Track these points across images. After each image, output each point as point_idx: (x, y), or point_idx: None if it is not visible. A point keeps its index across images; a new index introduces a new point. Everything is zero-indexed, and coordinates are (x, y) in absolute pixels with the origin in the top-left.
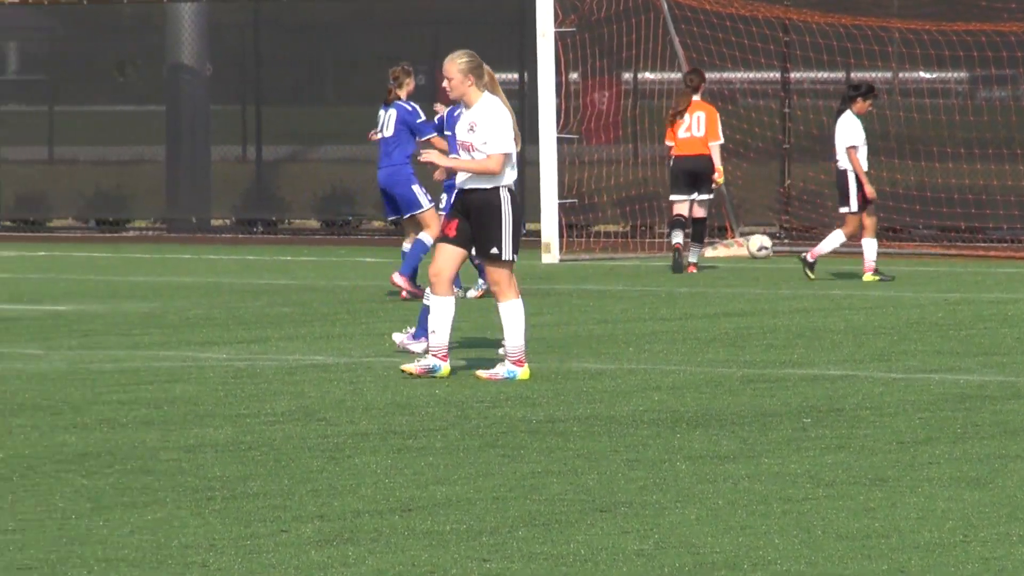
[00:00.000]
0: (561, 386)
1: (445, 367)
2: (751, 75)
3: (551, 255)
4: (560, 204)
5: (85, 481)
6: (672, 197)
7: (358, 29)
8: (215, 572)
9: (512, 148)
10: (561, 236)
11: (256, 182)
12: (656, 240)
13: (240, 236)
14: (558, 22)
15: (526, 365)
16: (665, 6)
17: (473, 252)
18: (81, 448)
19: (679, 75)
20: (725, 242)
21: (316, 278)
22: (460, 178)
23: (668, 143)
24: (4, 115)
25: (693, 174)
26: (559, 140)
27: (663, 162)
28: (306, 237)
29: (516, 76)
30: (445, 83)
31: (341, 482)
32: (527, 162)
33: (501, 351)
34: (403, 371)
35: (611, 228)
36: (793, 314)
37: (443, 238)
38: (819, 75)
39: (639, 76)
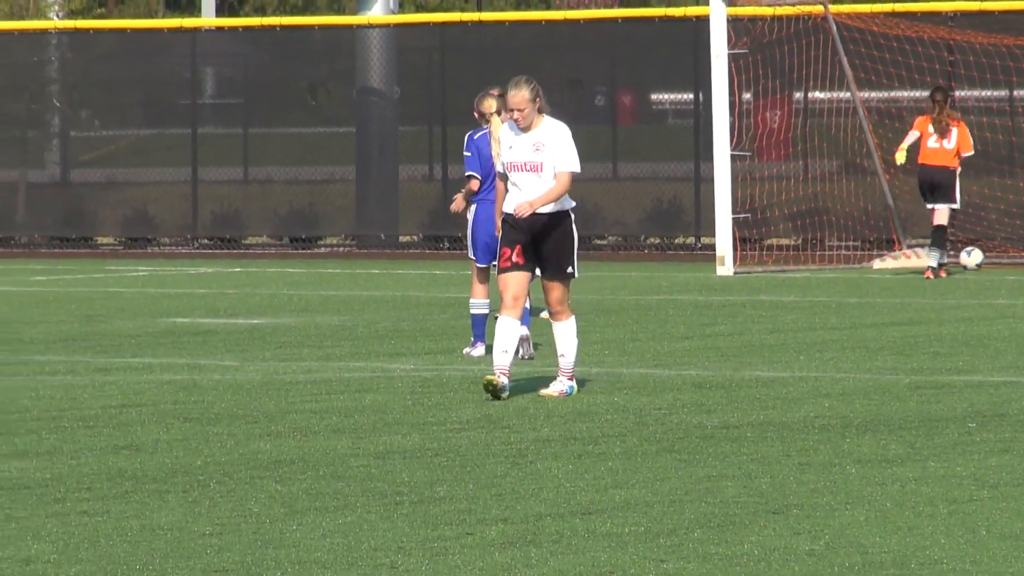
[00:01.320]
0: (735, 393)
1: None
2: (916, 93)
3: (725, 267)
4: (734, 218)
5: (279, 487)
6: (928, 206)
7: (540, 52)
8: (403, 573)
9: (579, 167)
10: (735, 249)
11: (442, 200)
12: (826, 252)
13: (427, 251)
14: (731, 44)
15: (575, 380)
16: (834, 27)
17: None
18: (275, 455)
19: (847, 94)
20: (893, 254)
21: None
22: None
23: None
24: (202, 137)
25: (932, 184)
26: (732, 157)
27: (832, 178)
28: None
29: (691, 96)
30: (513, 114)
31: (524, 486)
32: (703, 179)
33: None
34: (488, 381)
35: (783, 241)
36: (958, 323)
37: (512, 267)
38: (983, 93)
39: (809, 95)
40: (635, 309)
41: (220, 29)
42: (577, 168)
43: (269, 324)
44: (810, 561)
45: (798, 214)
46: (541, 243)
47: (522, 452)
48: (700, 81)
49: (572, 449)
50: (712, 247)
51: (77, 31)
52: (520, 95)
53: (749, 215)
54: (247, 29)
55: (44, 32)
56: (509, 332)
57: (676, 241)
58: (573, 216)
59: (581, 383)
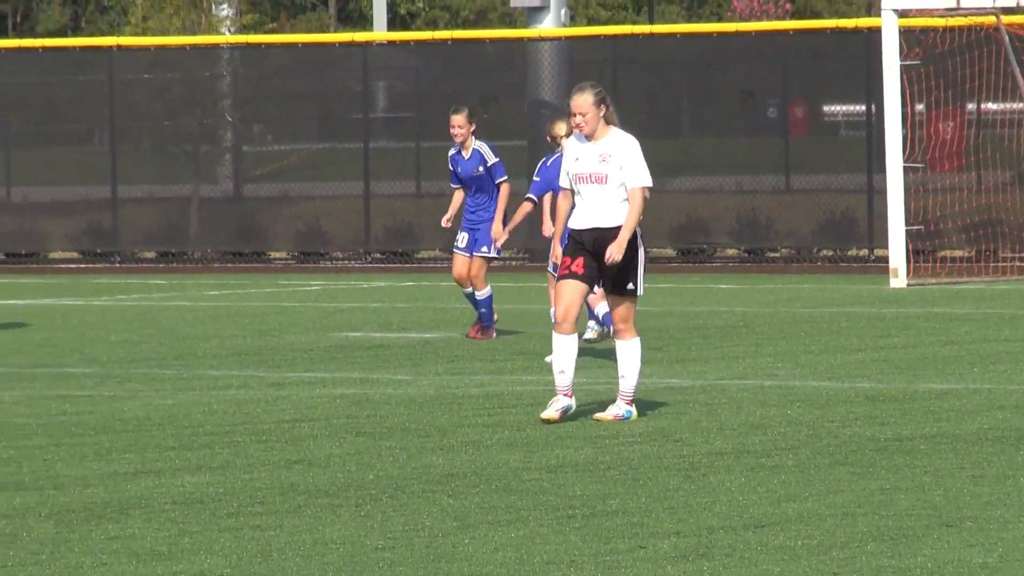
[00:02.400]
0: (908, 406)
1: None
2: None
3: (899, 280)
4: (907, 230)
5: (451, 500)
6: None
7: (711, 64)
8: None
9: (650, 181)
10: (908, 261)
11: None
12: (1000, 264)
13: None
14: (903, 55)
15: (635, 406)
16: (1006, 38)
17: (600, 288)
18: (448, 469)
19: (1020, 105)
20: None
21: (672, 304)
22: (591, 220)
23: None
24: (375, 151)
25: None
26: (905, 169)
27: (1006, 189)
28: (661, 265)
29: (863, 108)
30: (576, 119)
31: (696, 499)
32: (875, 191)
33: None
34: (546, 419)
35: (956, 253)
36: None
37: (570, 275)
38: None
39: (981, 106)
40: (808, 321)
41: (392, 43)
42: (649, 182)
43: (441, 338)
44: (983, 574)
45: (971, 226)
46: (604, 259)
47: (695, 465)
48: (872, 93)
49: (745, 462)
50: (885, 259)
51: (249, 46)
52: (583, 98)
53: (922, 227)
54: (419, 43)
55: (216, 47)
56: (566, 351)
57: (849, 253)
58: (640, 232)
59: (753, 395)
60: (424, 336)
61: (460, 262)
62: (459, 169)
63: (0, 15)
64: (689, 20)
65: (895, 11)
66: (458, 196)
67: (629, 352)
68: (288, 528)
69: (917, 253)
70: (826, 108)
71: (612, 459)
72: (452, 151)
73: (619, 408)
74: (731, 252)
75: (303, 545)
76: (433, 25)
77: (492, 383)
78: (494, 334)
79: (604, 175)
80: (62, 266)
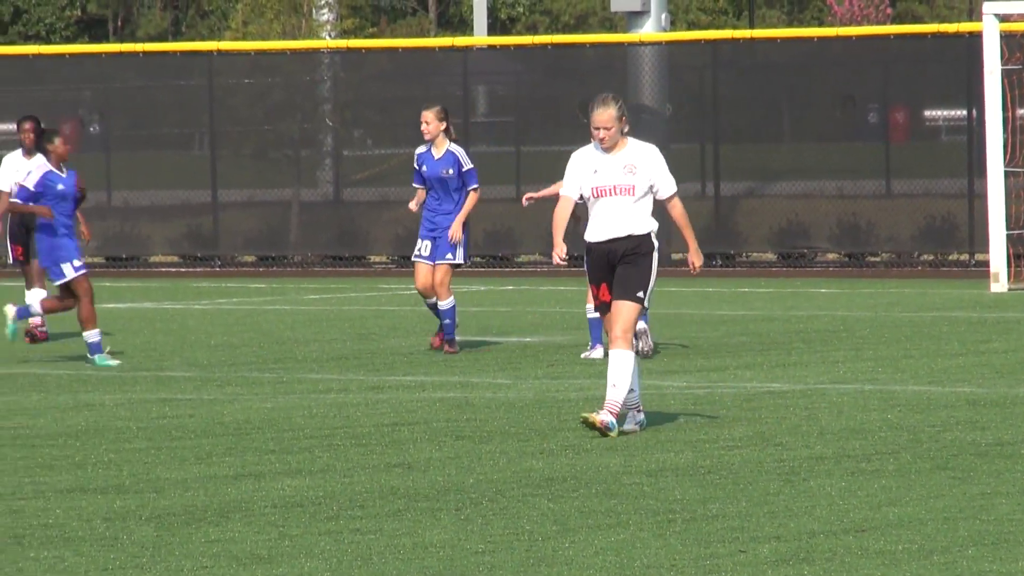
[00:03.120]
0: (1009, 410)
1: (617, 427)
2: None
3: (999, 284)
4: (1008, 235)
5: (551, 504)
6: None
7: (811, 68)
8: None
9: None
10: (1009, 265)
11: (715, 217)
12: None
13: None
14: (1004, 59)
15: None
16: None
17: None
18: (548, 473)
19: None
20: None
21: (772, 308)
22: (609, 231)
23: None
24: (475, 155)
25: None
26: (1006, 173)
27: None
28: (763, 269)
29: (964, 112)
30: (599, 132)
31: (797, 504)
32: (976, 195)
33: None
34: (585, 418)
35: None
36: None
37: (603, 305)
38: None
39: None
40: (909, 326)
41: (492, 48)
42: (675, 189)
43: (541, 342)
44: None
45: None
46: (619, 265)
47: (795, 470)
48: (973, 97)
49: (845, 466)
50: (986, 264)
51: (349, 50)
52: (607, 113)
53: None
54: (519, 48)
55: (317, 52)
56: (621, 366)
57: (950, 258)
58: (656, 243)
59: (854, 400)
60: (524, 340)
61: (424, 271)
62: (425, 168)
63: (101, 20)
64: (790, 25)
65: (996, 15)
66: (421, 194)
67: (623, 362)
68: (388, 532)
69: (1018, 257)
70: (927, 113)
71: (712, 463)
72: (421, 149)
73: (606, 415)
74: (832, 256)
75: (403, 549)
76: (533, 30)
77: (592, 387)
78: (457, 348)
79: (631, 186)
80: (162, 270)
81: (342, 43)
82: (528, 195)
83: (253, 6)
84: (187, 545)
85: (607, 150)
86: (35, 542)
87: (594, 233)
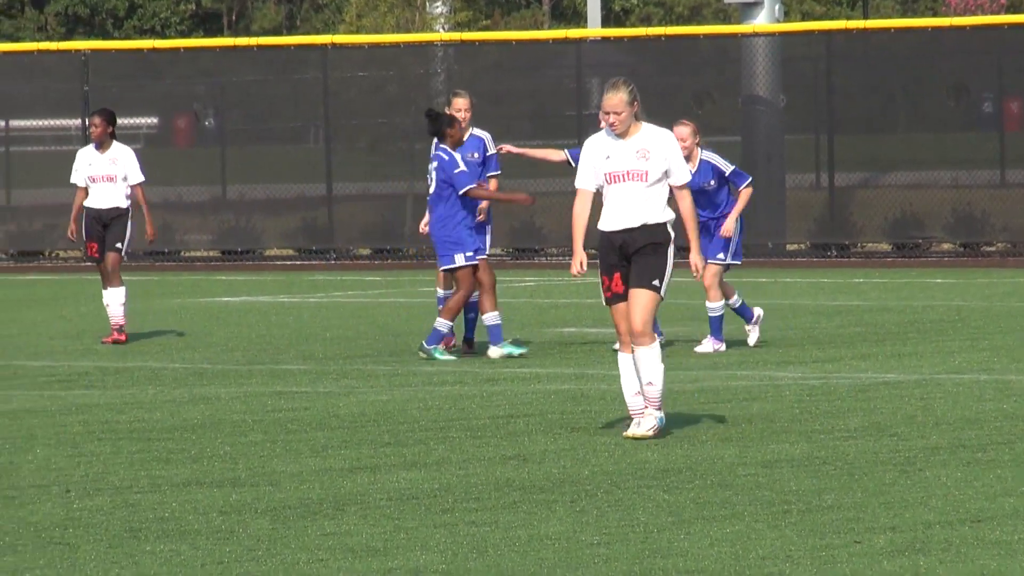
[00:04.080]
0: None
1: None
2: None
3: None
4: None
5: (667, 496)
6: None
7: (925, 58)
8: None
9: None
10: None
11: (829, 208)
12: None
13: (814, 260)
14: None
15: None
16: None
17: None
18: (663, 464)
19: None
20: None
21: (887, 299)
22: (623, 220)
23: None
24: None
25: None
26: None
27: None
28: (878, 260)
29: None
30: (609, 117)
31: (912, 495)
32: None
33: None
34: (631, 437)
35: None
36: None
37: (615, 297)
38: None
39: None
40: None
41: (605, 39)
42: (689, 176)
43: None
44: None
45: None
46: (634, 256)
47: (910, 460)
48: None
49: (961, 456)
50: None
51: (463, 43)
52: (617, 97)
53: None
54: (632, 39)
55: (431, 44)
56: (648, 363)
57: None
58: (673, 234)
59: (969, 390)
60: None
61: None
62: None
63: (215, 14)
64: (903, 15)
65: None
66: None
67: (650, 358)
68: (503, 524)
69: None
70: None
71: (827, 454)
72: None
73: (654, 419)
74: (946, 246)
75: (518, 541)
76: (647, 21)
77: (706, 378)
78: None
79: (644, 172)
80: (278, 263)
81: (456, 36)
82: (506, 147)
83: (367, 0)
84: (302, 538)
85: (620, 135)
86: (151, 535)
87: (608, 222)
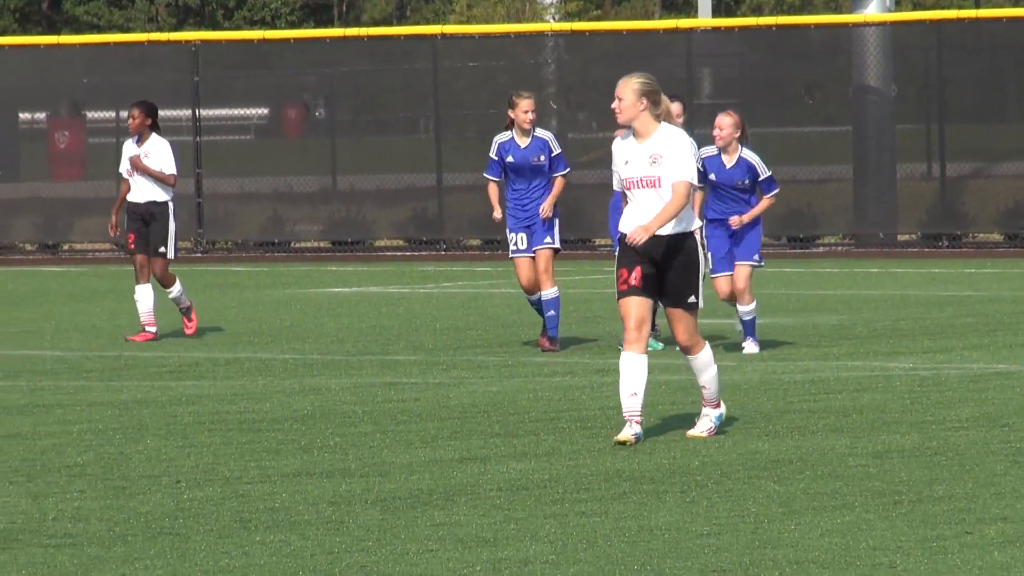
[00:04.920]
0: None
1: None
2: None
3: None
4: None
5: (777, 487)
6: None
7: None
8: (902, 573)
9: (696, 178)
10: None
11: (940, 198)
12: None
13: (926, 250)
14: None
15: (723, 404)
16: None
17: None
18: (773, 455)
19: None
20: None
21: (1000, 289)
22: (635, 223)
23: None
24: (698, 138)
25: None
26: None
27: None
28: (990, 250)
29: None
30: (615, 104)
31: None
32: None
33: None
34: (622, 442)
35: None
36: None
37: (630, 290)
38: None
39: None
40: None
41: (716, 29)
42: (692, 179)
43: (767, 324)
44: None
45: None
46: (661, 269)
47: (1022, 450)
48: None
49: None
50: None
51: (573, 33)
52: (625, 84)
53: None
54: (743, 29)
55: (541, 34)
56: (635, 371)
57: None
58: (699, 239)
59: None
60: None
61: (526, 266)
62: (511, 157)
63: (326, 4)
64: (1016, 4)
65: None
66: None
67: (704, 363)
68: (613, 515)
69: None
70: None
71: (938, 444)
72: (503, 137)
73: (709, 420)
74: None
75: (628, 531)
76: (758, 11)
77: (817, 368)
78: (559, 346)
79: (656, 178)
80: (388, 254)
81: (566, 26)
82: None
83: None
84: (412, 528)
85: (637, 138)
86: (261, 526)
87: (627, 224)
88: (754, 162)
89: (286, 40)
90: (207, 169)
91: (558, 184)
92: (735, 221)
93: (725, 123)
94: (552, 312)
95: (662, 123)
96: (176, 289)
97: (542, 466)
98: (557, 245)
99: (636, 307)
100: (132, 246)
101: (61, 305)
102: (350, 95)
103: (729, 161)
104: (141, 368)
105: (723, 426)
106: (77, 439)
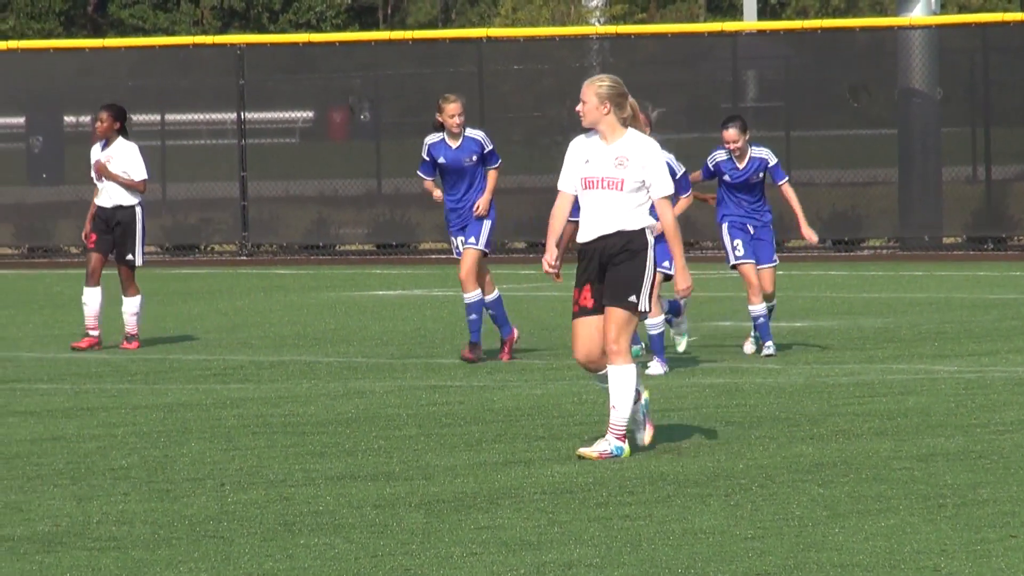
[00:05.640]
0: None
1: (627, 449)
2: None
3: None
4: None
5: (821, 490)
6: None
7: None
8: None
9: (671, 186)
10: None
11: (986, 201)
12: None
13: (971, 253)
14: None
15: (627, 441)
16: None
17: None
18: (817, 458)
19: None
20: None
21: None
22: (598, 228)
23: None
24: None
25: None
26: None
27: None
28: None
29: None
30: (579, 107)
31: None
32: None
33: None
34: (580, 455)
35: None
36: None
37: (581, 312)
38: None
39: None
40: None
41: (761, 32)
42: (670, 190)
43: (812, 327)
44: None
45: None
46: (609, 267)
47: None
48: None
49: None
50: None
51: (619, 36)
52: (588, 86)
53: None
54: (788, 32)
55: (586, 37)
56: (618, 384)
57: None
58: (652, 240)
59: None
60: (794, 325)
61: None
62: (442, 159)
63: (371, 7)
64: None
65: None
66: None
67: (622, 378)
68: (658, 518)
69: None
70: None
71: (983, 448)
72: (434, 138)
73: (607, 443)
74: None
75: (672, 535)
76: (803, 14)
77: (862, 372)
78: (479, 352)
79: (620, 180)
80: (432, 257)
81: (611, 29)
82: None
83: None
84: (456, 532)
85: (602, 139)
86: (305, 529)
87: (584, 233)
88: (762, 155)
89: (331, 43)
90: (252, 172)
91: (491, 179)
92: (810, 237)
93: (732, 135)
94: (473, 316)
95: (629, 128)
96: (134, 304)
97: (586, 469)
98: (482, 247)
99: (584, 335)
100: (91, 245)
101: (106, 308)
102: (395, 98)
103: (741, 165)
104: (185, 371)
105: (767, 429)
106: (121, 442)
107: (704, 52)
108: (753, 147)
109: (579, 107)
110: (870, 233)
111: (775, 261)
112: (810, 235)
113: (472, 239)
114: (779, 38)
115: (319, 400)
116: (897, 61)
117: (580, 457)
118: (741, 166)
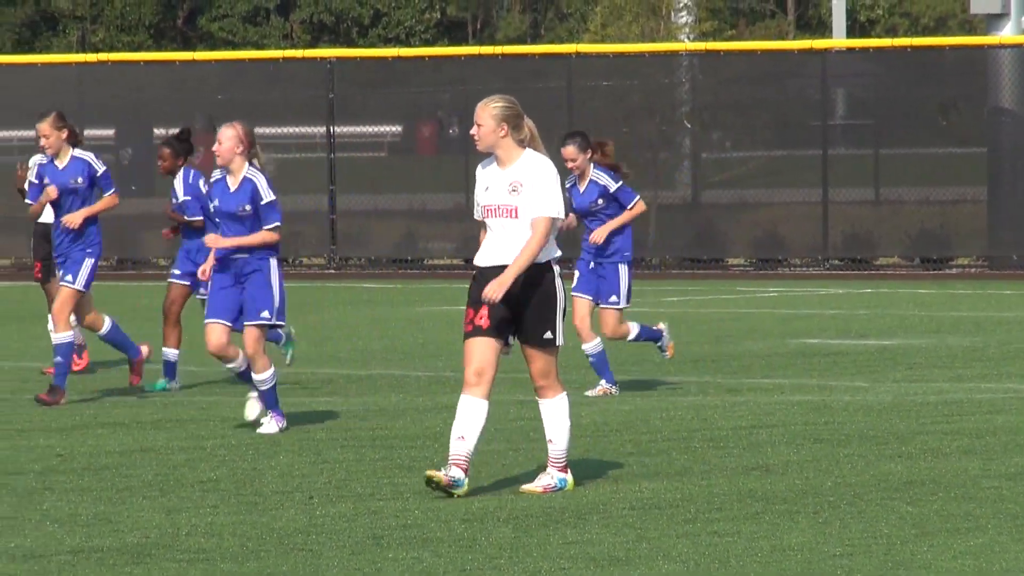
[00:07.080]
0: None
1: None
2: None
3: None
4: None
5: (910, 508)
6: None
7: None
8: None
9: (562, 212)
10: None
11: None
12: None
13: None
14: None
15: (570, 471)
16: None
17: (513, 339)
18: (906, 476)
19: None
20: None
21: None
22: (496, 257)
23: None
24: (833, 158)
25: None
26: None
27: None
28: None
29: None
30: (473, 130)
31: None
32: None
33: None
34: (429, 477)
35: None
36: None
37: (475, 331)
38: None
39: None
40: None
41: (850, 50)
42: (557, 213)
43: (900, 345)
44: None
45: None
46: (516, 303)
47: None
48: None
49: None
50: None
51: (708, 53)
52: (483, 109)
53: None
54: (878, 50)
55: (675, 54)
56: (469, 414)
57: None
58: (558, 269)
59: None
60: (882, 343)
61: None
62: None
63: (460, 22)
64: None
65: None
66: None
67: (556, 411)
68: (746, 534)
69: None
70: None
71: None
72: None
73: (550, 478)
74: None
75: (761, 552)
76: (892, 32)
77: (950, 390)
78: (56, 399)
79: (514, 208)
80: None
81: (700, 45)
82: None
83: (612, 8)
84: (545, 546)
85: (499, 164)
86: (394, 543)
87: (483, 256)
88: (602, 182)
89: (420, 58)
90: (341, 185)
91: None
92: (599, 237)
93: (570, 152)
94: (59, 359)
95: (526, 149)
96: (74, 335)
97: (674, 485)
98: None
99: (479, 352)
100: (39, 274)
101: (193, 319)
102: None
103: (582, 187)
104: None
105: (855, 446)
106: (210, 454)
107: (793, 69)
108: (595, 170)
109: (473, 130)
110: (958, 251)
111: (616, 303)
112: (596, 237)
113: (68, 277)
114: (868, 56)
115: (407, 414)
116: (987, 80)
117: (524, 492)
118: (582, 189)
